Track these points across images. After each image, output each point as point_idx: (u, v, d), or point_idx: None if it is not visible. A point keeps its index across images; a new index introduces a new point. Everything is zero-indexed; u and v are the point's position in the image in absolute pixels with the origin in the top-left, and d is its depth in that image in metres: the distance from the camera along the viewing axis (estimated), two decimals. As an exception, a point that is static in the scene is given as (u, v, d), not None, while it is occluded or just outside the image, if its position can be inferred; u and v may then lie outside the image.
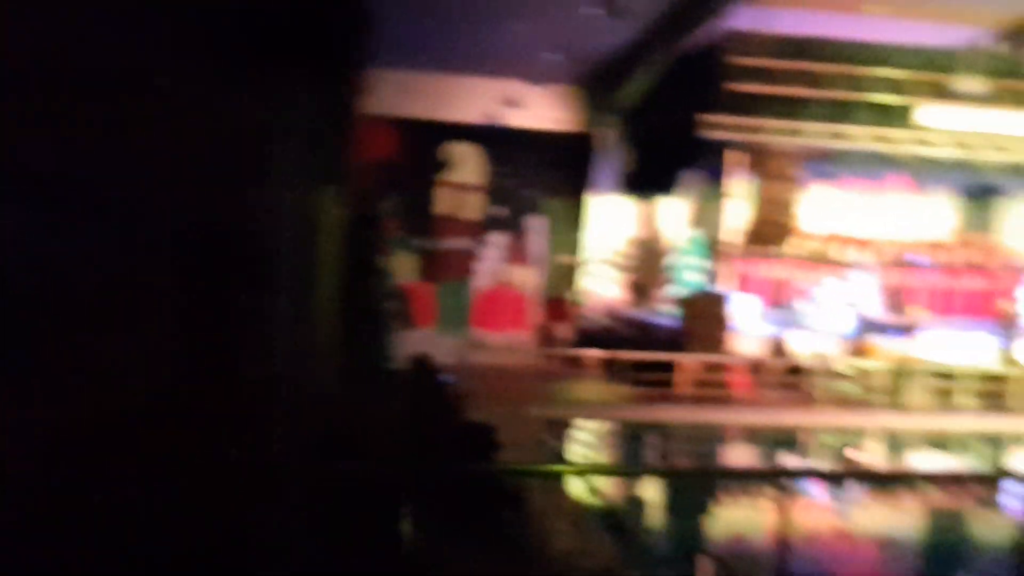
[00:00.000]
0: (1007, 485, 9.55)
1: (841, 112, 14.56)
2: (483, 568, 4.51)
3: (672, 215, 16.77)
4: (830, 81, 14.48)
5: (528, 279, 17.61)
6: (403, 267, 16.61)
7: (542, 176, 17.34)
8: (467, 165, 17.30)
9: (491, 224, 17.47)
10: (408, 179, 16.56)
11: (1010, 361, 14.76)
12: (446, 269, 17.39)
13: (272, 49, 3.21)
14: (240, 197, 3.07)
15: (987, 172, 15.44)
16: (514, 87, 16.52)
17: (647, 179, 16.35)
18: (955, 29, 13.89)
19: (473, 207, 17.41)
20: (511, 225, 17.53)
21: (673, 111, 14.32)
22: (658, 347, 13.62)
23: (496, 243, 17.56)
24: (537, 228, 17.65)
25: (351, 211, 6.25)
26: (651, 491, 9.43)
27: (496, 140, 16.96)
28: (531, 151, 17.08)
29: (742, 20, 13.24)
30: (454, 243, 17.37)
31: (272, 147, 3.30)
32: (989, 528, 9.51)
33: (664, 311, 15.82)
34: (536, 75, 15.91)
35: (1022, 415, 13.58)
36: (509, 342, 16.80)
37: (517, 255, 17.68)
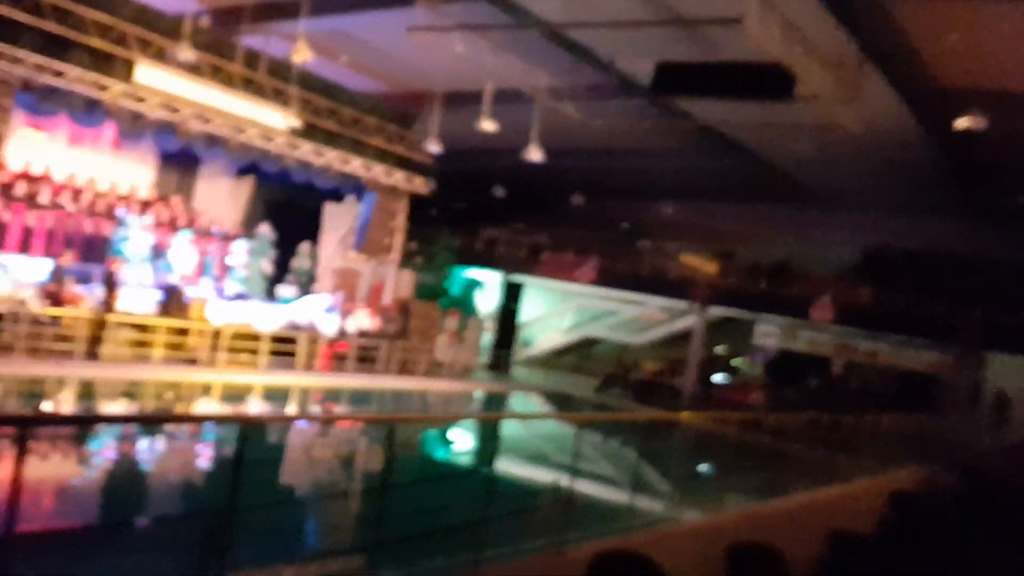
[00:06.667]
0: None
1: (61, 48, 13.83)
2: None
3: None
4: (52, 13, 13.63)
5: None
6: None
7: None
8: None
9: None
10: None
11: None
12: None
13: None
14: None
15: (189, 138, 16.37)
16: None
17: None
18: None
19: None
20: None
21: None
22: None
23: None
24: None
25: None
26: None
27: None
28: None
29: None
30: None
31: None
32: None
33: None
34: None
35: (208, 366, 15.00)
36: None
37: None
